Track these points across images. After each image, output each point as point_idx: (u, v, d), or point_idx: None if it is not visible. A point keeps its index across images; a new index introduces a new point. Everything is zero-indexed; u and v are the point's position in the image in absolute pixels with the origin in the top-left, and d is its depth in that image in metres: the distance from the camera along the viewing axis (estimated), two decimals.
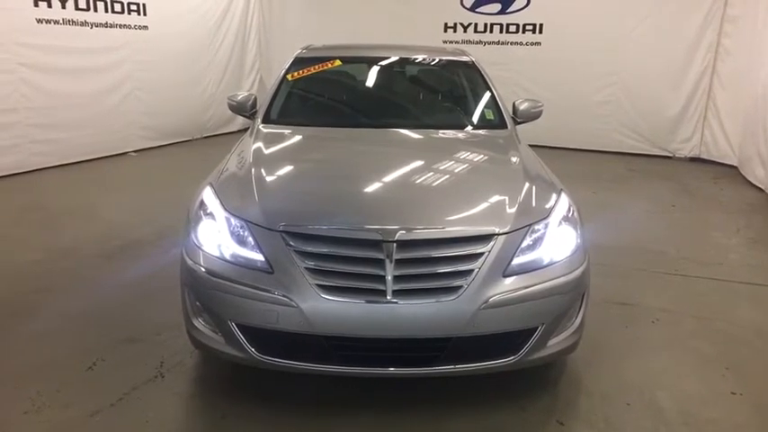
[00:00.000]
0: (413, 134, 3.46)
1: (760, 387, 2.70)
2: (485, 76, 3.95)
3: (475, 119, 3.75)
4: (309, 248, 2.25)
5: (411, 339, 2.26)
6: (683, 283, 3.89)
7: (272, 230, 2.30)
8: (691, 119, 7.87)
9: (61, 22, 6.52)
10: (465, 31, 8.73)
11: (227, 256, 2.34)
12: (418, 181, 2.72)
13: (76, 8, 6.67)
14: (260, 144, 3.11)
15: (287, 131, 3.42)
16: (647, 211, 5.62)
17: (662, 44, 7.69)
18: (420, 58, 4.27)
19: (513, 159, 2.98)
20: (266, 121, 3.52)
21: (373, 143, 3.34)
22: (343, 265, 2.22)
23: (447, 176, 2.81)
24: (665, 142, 8.07)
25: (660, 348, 3.03)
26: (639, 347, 3.02)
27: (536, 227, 2.41)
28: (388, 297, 2.17)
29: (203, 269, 2.35)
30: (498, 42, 8.60)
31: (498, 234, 2.31)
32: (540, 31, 8.34)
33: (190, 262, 2.41)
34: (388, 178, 2.75)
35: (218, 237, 2.40)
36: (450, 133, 3.48)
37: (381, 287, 2.17)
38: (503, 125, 3.56)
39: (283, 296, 2.18)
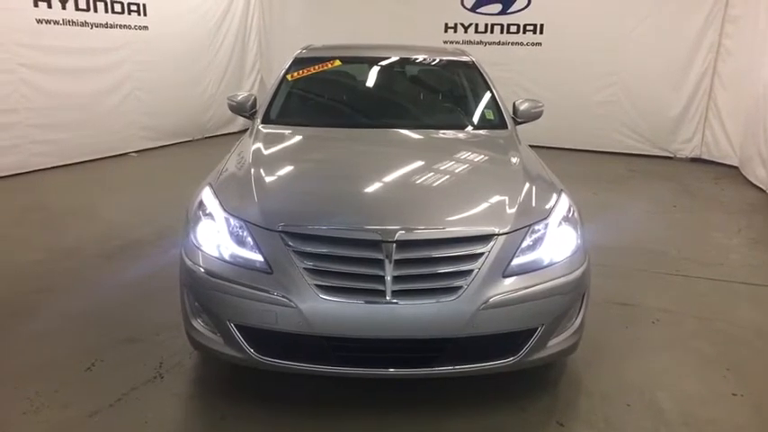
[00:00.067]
0: (412, 134, 3.45)
1: (761, 388, 2.69)
2: (485, 75, 3.94)
3: (475, 119, 3.74)
4: (308, 249, 2.24)
5: (410, 340, 2.25)
6: (683, 283, 3.89)
7: (271, 231, 2.29)
8: (692, 119, 7.85)
9: (61, 22, 6.52)
10: (466, 32, 8.73)
11: (226, 257, 2.33)
12: (418, 181, 2.71)
13: (76, 8, 6.67)
14: (259, 144, 3.10)
15: (286, 132, 3.42)
16: (648, 211, 5.61)
17: (663, 44, 7.68)
18: (420, 57, 4.26)
19: (514, 159, 2.98)
20: (266, 121, 3.52)
21: (373, 143, 3.34)
22: (343, 265, 2.21)
23: (447, 177, 2.80)
24: (666, 143, 8.06)
25: (661, 349, 3.02)
26: (640, 348, 3.02)
27: (536, 227, 2.40)
28: (388, 297, 2.16)
29: (202, 269, 2.34)
30: (499, 43, 8.59)
31: (498, 234, 2.30)
32: (541, 32, 8.34)
33: (189, 262, 2.41)
34: (388, 178, 2.75)
35: (217, 237, 2.39)
36: (449, 133, 3.48)
37: (381, 287, 2.17)
38: (503, 125, 3.56)
39: (282, 296, 2.17)
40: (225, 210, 2.45)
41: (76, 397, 2.49)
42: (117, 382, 2.59)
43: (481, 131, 3.57)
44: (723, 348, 3.03)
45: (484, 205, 2.53)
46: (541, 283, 2.28)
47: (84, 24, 6.80)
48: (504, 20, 8.49)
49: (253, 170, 2.72)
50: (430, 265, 2.23)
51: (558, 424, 2.40)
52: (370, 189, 2.67)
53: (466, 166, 3.01)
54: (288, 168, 2.93)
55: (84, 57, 6.83)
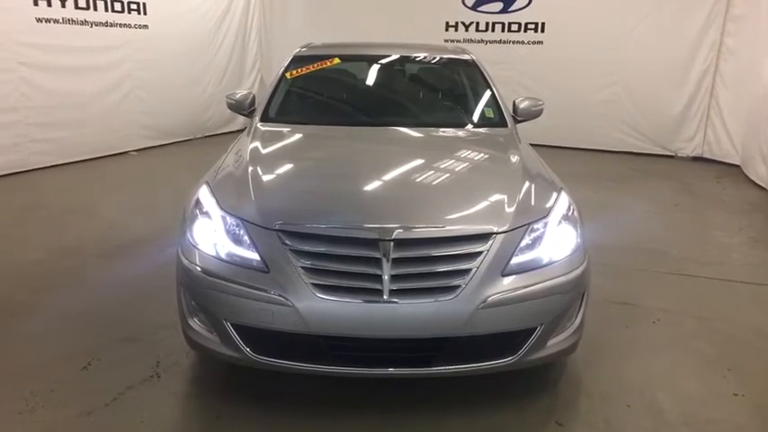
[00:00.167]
0: (412, 132, 3.43)
1: (762, 388, 2.67)
2: (485, 74, 3.92)
3: (475, 117, 3.72)
4: (305, 247, 2.23)
5: (408, 339, 2.23)
6: (684, 282, 3.86)
7: (267, 229, 2.27)
8: (693, 118, 7.82)
9: (61, 21, 6.51)
10: (467, 30, 8.71)
11: (223, 256, 2.31)
12: (416, 179, 2.69)
13: (76, 7, 6.66)
14: (257, 142, 3.08)
15: (285, 130, 3.40)
16: (649, 210, 5.59)
17: (664, 43, 7.64)
18: (419, 56, 4.24)
19: (513, 158, 2.96)
20: (264, 119, 3.50)
21: (372, 141, 3.32)
22: (340, 264, 2.20)
23: (446, 175, 2.78)
24: (668, 141, 8.03)
25: (661, 349, 3.00)
26: (640, 348, 2.99)
27: (535, 226, 2.38)
28: (385, 296, 2.14)
29: (199, 268, 2.33)
30: (500, 41, 8.56)
31: (497, 233, 2.28)
32: (542, 30, 8.31)
33: (185, 261, 2.39)
34: (386, 177, 2.73)
35: (213, 236, 2.38)
36: (449, 131, 3.46)
37: (378, 286, 2.15)
38: (503, 123, 3.54)
39: (279, 295, 2.16)
40: (222, 208, 2.44)
41: (72, 396, 2.48)
42: (113, 381, 2.57)
43: (481, 130, 3.55)
44: (724, 348, 3.00)
45: (483, 204, 2.51)
46: (540, 283, 2.26)
47: (84, 23, 6.78)
48: (505, 18, 8.47)
49: (250, 168, 2.70)
50: (428, 264, 2.21)
51: (558, 424, 2.38)
52: (368, 187, 2.65)
53: (465, 164, 2.99)
54: (285, 167, 2.91)
55: (84, 55, 6.82)
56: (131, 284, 3.61)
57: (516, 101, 3.81)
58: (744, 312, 3.43)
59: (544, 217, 2.43)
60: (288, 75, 3.82)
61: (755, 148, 6.51)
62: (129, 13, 7.34)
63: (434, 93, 4.26)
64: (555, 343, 2.38)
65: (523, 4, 8.31)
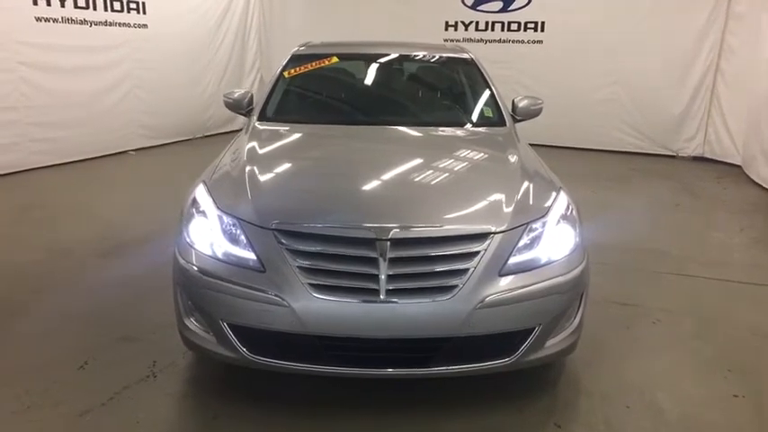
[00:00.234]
0: (410, 131, 3.41)
1: (762, 389, 2.65)
2: (484, 73, 3.90)
3: (473, 116, 3.70)
4: (302, 247, 2.21)
5: (405, 340, 2.21)
6: (685, 283, 3.84)
7: (264, 228, 2.26)
8: (694, 117, 7.79)
9: (60, 20, 6.50)
10: (466, 30, 8.69)
11: (219, 255, 2.30)
12: (413, 179, 2.67)
13: (75, 6, 6.65)
14: (255, 141, 3.07)
15: (283, 129, 3.38)
16: (649, 210, 5.57)
17: (664, 41, 7.62)
18: (418, 54, 4.22)
19: (512, 157, 2.94)
20: (262, 118, 3.48)
21: (370, 140, 3.30)
22: (336, 263, 2.18)
23: (443, 174, 2.76)
24: (668, 141, 8.01)
25: (661, 349, 2.98)
26: (640, 348, 2.97)
27: (533, 225, 2.36)
28: (382, 296, 2.12)
29: (195, 268, 2.31)
30: (500, 41, 8.54)
31: (494, 233, 2.26)
32: (542, 29, 8.29)
33: (182, 261, 2.38)
34: (383, 176, 2.71)
35: (210, 235, 2.36)
36: (447, 131, 3.44)
37: (375, 286, 2.13)
38: (501, 123, 3.52)
39: (275, 295, 2.14)
40: (218, 207, 2.42)
41: (68, 396, 2.46)
42: (110, 380, 2.56)
43: (479, 129, 3.53)
44: (724, 349, 2.98)
45: (480, 203, 2.49)
46: (539, 282, 2.25)
47: (84, 22, 6.77)
48: (505, 17, 8.45)
49: (247, 167, 2.68)
50: (425, 264, 2.20)
51: (556, 425, 2.36)
52: (365, 187, 2.63)
53: (463, 163, 2.97)
54: (283, 166, 2.90)
55: (84, 55, 6.81)
56: (130, 284, 3.59)
57: (515, 100, 3.79)
58: (745, 313, 3.41)
59: (542, 216, 2.41)
60: (286, 74, 3.81)
61: (757, 148, 6.49)
62: (129, 12, 7.34)
63: (433, 92, 4.24)
64: (554, 343, 2.36)
65: (523, 4, 8.30)
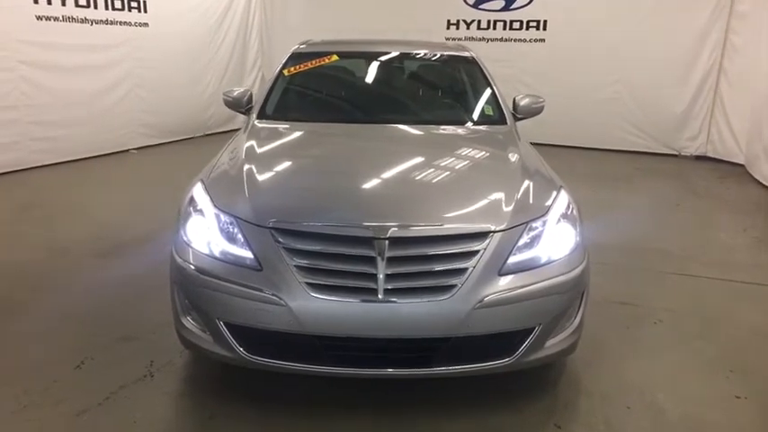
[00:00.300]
0: (410, 130, 3.39)
1: (765, 391, 2.62)
2: (485, 71, 3.88)
3: (474, 115, 3.68)
4: (299, 245, 2.19)
5: (403, 339, 2.19)
6: (686, 283, 3.81)
7: (261, 227, 2.24)
8: (697, 116, 7.75)
9: (61, 19, 6.49)
10: (468, 28, 8.67)
11: (216, 254, 2.28)
12: (412, 177, 2.65)
13: (76, 5, 6.64)
14: (253, 140, 3.05)
15: (282, 127, 3.37)
16: (652, 209, 5.54)
17: (667, 40, 7.58)
18: (419, 53, 4.20)
19: (512, 156, 2.91)
20: (261, 116, 3.47)
21: (370, 139, 3.28)
22: (334, 262, 2.16)
23: (443, 173, 2.74)
24: (671, 140, 7.97)
25: (662, 349, 2.95)
26: (641, 348, 2.95)
27: (534, 224, 2.34)
28: (380, 296, 2.10)
29: (192, 266, 2.30)
30: (502, 39, 8.52)
31: (494, 231, 2.24)
32: (544, 28, 8.26)
33: (179, 259, 2.36)
34: (382, 174, 2.68)
35: (207, 233, 2.35)
36: (448, 129, 3.41)
37: (372, 285, 2.11)
38: (502, 121, 3.49)
39: (272, 294, 2.12)
40: (215, 206, 2.40)
41: (65, 395, 2.45)
42: (107, 380, 2.55)
43: (480, 127, 3.51)
44: (726, 350, 2.96)
45: (480, 202, 2.46)
46: (538, 282, 2.22)
47: (84, 21, 6.76)
48: (507, 16, 8.42)
49: (245, 165, 2.66)
50: (423, 263, 2.18)
51: (556, 426, 2.34)
52: (364, 185, 2.60)
53: (463, 162, 2.95)
54: (281, 164, 2.88)
55: (84, 54, 6.80)
56: (129, 283, 3.58)
57: (516, 98, 3.76)
58: (747, 313, 3.39)
59: (543, 215, 2.39)
60: (286, 72, 3.79)
61: (760, 147, 6.45)
62: (130, 11, 7.33)
63: (433, 90, 4.21)
64: (554, 343, 2.34)
65: (525, 2, 8.27)
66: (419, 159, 2.88)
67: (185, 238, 2.39)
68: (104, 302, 3.33)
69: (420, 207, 2.38)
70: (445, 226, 2.26)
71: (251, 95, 3.75)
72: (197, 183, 2.61)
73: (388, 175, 2.68)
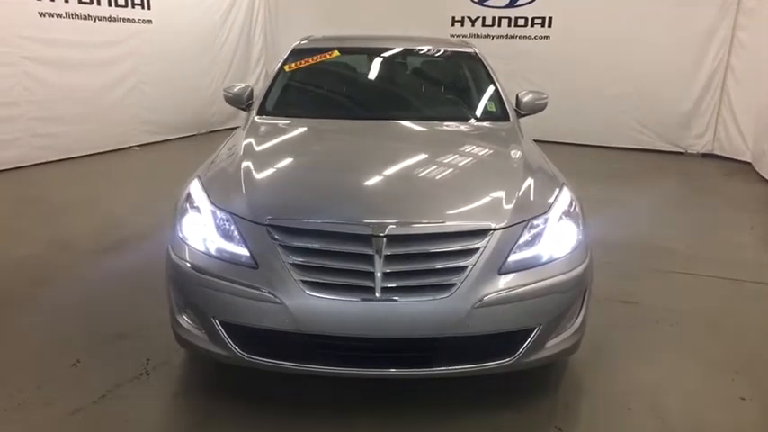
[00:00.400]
0: (411, 126, 3.35)
1: None
2: (487, 67, 3.83)
3: (477, 111, 3.64)
4: (295, 243, 2.15)
5: (401, 339, 2.16)
6: (691, 281, 3.76)
7: (257, 224, 2.21)
8: (704, 114, 7.67)
9: (64, 15, 6.48)
10: (473, 25, 8.61)
11: (212, 251, 2.25)
12: (412, 174, 2.61)
13: (80, 1, 6.63)
14: (252, 136, 3.02)
15: (281, 123, 3.33)
16: (657, 207, 5.48)
17: (674, 37, 7.49)
18: (421, 49, 4.16)
19: (514, 152, 2.87)
20: (261, 112, 3.44)
21: (370, 135, 3.24)
22: (331, 260, 2.12)
23: (444, 170, 2.70)
24: (678, 138, 7.89)
25: (666, 350, 2.90)
26: (644, 349, 2.90)
27: (535, 222, 2.29)
28: (377, 294, 2.07)
29: (188, 264, 2.27)
30: (506, 36, 8.46)
31: (494, 229, 2.20)
32: (549, 25, 8.20)
33: (174, 257, 2.33)
34: (381, 171, 2.64)
35: (203, 230, 2.31)
36: (450, 125, 3.37)
37: (370, 284, 2.08)
38: (505, 117, 3.45)
39: (268, 293, 2.09)
40: (212, 202, 2.37)
41: (60, 393, 2.43)
42: (102, 378, 2.52)
43: (482, 124, 3.46)
44: (731, 350, 2.91)
45: (480, 199, 2.42)
46: (539, 281, 2.18)
47: (88, 17, 6.75)
48: (512, 13, 8.36)
49: (243, 162, 2.63)
50: (422, 261, 2.14)
51: (557, 428, 2.30)
52: (362, 182, 2.57)
53: (464, 158, 2.91)
54: (279, 161, 2.84)
55: (88, 50, 6.79)
56: (129, 280, 3.56)
57: (519, 94, 3.71)
58: (753, 313, 3.33)
59: (544, 213, 2.34)
60: (287, 67, 3.76)
61: (767, 145, 6.37)
62: (133, 7, 7.31)
63: (436, 86, 4.17)
64: (555, 343, 2.29)
65: None
66: (419, 156, 2.83)
67: (181, 235, 2.36)
68: (103, 299, 3.31)
69: (419, 204, 2.35)
70: (444, 223, 2.22)
71: (251, 92, 3.72)
72: (194, 179, 2.58)
73: (387, 171, 2.64)
